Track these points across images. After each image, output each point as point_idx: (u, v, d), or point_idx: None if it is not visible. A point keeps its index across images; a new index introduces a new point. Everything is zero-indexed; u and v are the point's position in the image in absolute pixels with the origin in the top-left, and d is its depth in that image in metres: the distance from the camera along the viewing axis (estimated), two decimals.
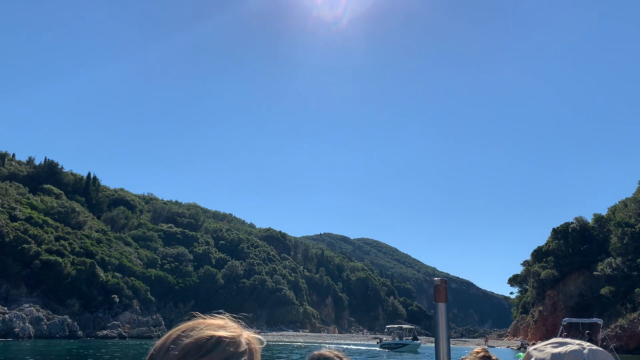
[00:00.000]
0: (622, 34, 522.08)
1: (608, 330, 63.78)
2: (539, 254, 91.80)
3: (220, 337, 1.35)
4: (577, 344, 1.97)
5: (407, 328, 76.56)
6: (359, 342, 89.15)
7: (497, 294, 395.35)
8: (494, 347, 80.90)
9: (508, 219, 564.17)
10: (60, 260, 77.95)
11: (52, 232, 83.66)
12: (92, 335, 73.67)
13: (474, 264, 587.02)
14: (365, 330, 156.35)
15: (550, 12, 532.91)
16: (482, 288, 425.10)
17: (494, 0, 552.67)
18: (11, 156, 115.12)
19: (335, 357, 2.40)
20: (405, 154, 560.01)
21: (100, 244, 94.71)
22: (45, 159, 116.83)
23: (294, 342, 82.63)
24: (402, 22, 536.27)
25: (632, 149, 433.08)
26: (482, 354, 3.80)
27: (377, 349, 66.91)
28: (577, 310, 75.57)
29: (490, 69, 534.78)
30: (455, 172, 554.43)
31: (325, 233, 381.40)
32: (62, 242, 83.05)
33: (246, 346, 1.37)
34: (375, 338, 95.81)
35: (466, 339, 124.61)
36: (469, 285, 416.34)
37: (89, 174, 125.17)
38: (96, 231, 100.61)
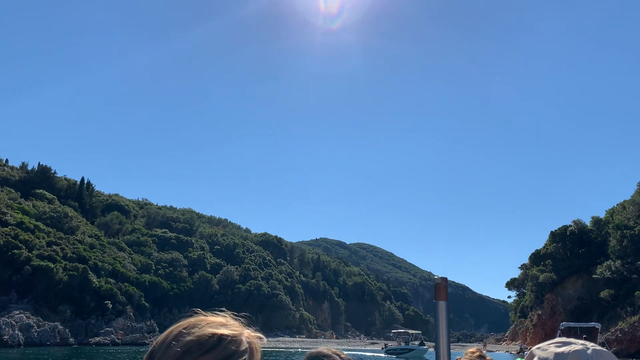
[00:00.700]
0: (618, 36, 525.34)
1: (608, 333, 63.14)
2: (537, 258, 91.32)
3: (221, 335, 1.33)
4: (581, 344, 1.87)
5: (413, 333, 75.31)
6: (359, 348, 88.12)
7: (493, 298, 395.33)
8: (492, 351, 79.99)
9: (505, 223, 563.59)
10: (52, 265, 76.55)
11: (43, 237, 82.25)
12: (85, 342, 72.34)
13: (470, 268, 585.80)
14: (362, 336, 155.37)
15: (545, 17, 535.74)
16: (478, 292, 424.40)
17: (490, 7, 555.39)
18: (4, 161, 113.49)
19: (333, 355, 2.33)
20: (401, 159, 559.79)
21: (94, 249, 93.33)
22: (39, 164, 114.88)
23: (291, 347, 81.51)
24: (398, 29, 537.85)
25: (630, 151, 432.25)
26: (477, 353, 3.88)
27: (382, 354, 65.60)
28: (577, 313, 74.97)
29: (487, 74, 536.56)
30: (451, 175, 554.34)
31: (321, 238, 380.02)
32: (54, 247, 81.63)
33: (247, 345, 1.36)
34: (373, 343, 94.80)
35: (464, 344, 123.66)
36: (464, 289, 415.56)
37: (82, 179, 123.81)
38: (89, 236, 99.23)
